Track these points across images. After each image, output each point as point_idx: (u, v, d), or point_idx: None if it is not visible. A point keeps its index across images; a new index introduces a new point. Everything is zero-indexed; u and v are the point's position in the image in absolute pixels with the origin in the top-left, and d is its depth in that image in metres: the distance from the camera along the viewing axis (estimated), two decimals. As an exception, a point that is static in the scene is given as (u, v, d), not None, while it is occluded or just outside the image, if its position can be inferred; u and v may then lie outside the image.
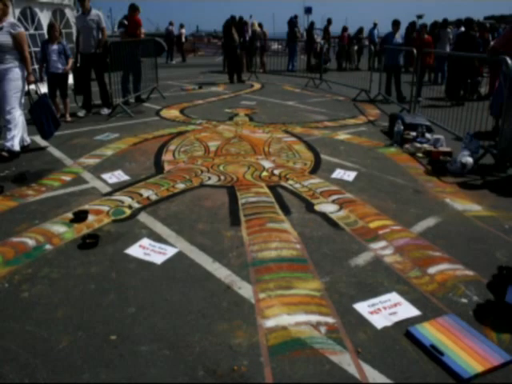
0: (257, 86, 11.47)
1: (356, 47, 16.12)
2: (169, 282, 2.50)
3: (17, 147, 4.79)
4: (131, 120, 6.91)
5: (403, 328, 2.10)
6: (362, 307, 2.27)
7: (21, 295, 2.38)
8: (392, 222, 3.29)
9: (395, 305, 2.29)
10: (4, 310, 2.25)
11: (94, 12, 7.19)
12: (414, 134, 5.48)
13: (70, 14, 11.63)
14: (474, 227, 3.24)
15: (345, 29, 16.66)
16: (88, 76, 7.32)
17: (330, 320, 2.17)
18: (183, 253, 2.82)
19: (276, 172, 4.38)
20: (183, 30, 20.42)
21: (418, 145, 5.18)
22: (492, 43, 5.36)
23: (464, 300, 2.34)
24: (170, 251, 2.84)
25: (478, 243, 2.99)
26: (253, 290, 2.41)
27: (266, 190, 3.91)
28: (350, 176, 4.31)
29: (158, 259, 2.74)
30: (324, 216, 3.38)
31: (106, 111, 7.30)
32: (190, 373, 1.84)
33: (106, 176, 4.25)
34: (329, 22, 16.13)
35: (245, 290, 2.42)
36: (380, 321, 2.16)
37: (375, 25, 16.39)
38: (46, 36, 8.57)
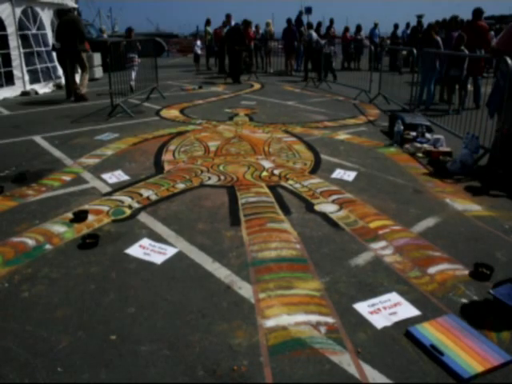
0: (257, 85, 11.47)
1: (352, 47, 16.11)
2: (169, 282, 2.50)
3: None
4: (131, 120, 6.91)
5: (403, 328, 2.10)
6: (362, 307, 2.27)
7: (21, 295, 2.38)
8: (392, 221, 3.29)
9: (395, 305, 2.29)
10: (4, 310, 2.25)
11: None
12: (414, 133, 5.48)
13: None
14: (474, 227, 3.24)
15: (346, 29, 16.66)
16: None
17: (329, 320, 2.17)
18: (183, 253, 2.83)
19: (276, 172, 4.38)
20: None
21: (418, 145, 5.18)
22: (492, 43, 5.35)
23: (464, 300, 2.34)
24: (170, 251, 2.84)
25: (478, 243, 2.99)
26: (253, 290, 2.41)
27: (266, 189, 3.91)
28: (349, 176, 4.31)
29: (158, 259, 2.74)
30: (324, 216, 3.38)
31: None
32: (190, 373, 1.84)
33: (105, 176, 4.25)
34: (331, 22, 16.11)
35: (245, 290, 2.43)
36: (380, 321, 2.16)
37: (376, 25, 16.36)
38: (49, 36, 8.60)
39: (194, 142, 5.56)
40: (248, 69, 13.19)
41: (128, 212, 3.43)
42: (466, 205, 3.64)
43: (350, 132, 6.23)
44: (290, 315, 2.20)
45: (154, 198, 3.72)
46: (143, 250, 2.86)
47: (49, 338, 2.04)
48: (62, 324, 2.14)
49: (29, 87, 9.46)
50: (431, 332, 2.05)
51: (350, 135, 6.03)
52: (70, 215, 3.32)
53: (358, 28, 16.94)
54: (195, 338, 2.05)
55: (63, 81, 10.49)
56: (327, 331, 2.09)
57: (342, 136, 5.98)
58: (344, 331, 2.09)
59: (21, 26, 9.37)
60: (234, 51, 11.66)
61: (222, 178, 4.21)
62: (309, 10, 22.39)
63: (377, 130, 6.39)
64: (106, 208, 3.50)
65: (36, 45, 9.92)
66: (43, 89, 9.95)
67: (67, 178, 4.23)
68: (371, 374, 1.84)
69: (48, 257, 2.77)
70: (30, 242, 2.94)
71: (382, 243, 2.96)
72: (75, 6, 11.39)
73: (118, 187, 3.97)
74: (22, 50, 9.27)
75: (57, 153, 5.06)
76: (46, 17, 10.41)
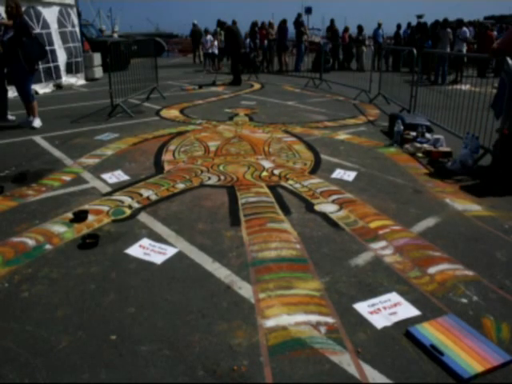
0: (257, 86, 11.48)
1: (354, 49, 16.13)
2: (169, 282, 2.50)
3: None
4: (131, 120, 6.91)
5: (403, 328, 2.10)
6: (362, 307, 2.27)
7: (21, 295, 2.38)
8: (392, 221, 3.28)
9: (395, 305, 2.29)
10: (4, 310, 2.25)
11: None
12: (414, 134, 5.48)
13: (74, 14, 11.66)
14: (473, 227, 3.24)
15: (346, 29, 16.67)
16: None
17: (329, 320, 2.17)
18: (183, 253, 2.83)
19: (276, 172, 4.38)
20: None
21: (418, 145, 5.18)
22: (494, 44, 5.34)
23: (464, 300, 2.34)
24: (170, 251, 2.84)
25: (478, 243, 2.99)
26: (253, 290, 2.41)
27: (266, 189, 3.91)
28: (349, 176, 4.31)
29: (158, 259, 2.74)
30: (324, 216, 3.38)
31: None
32: (190, 373, 1.84)
33: (105, 176, 4.25)
34: (332, 22, 16.15)
35: (245, 290, 2.42)
36: (380, 321, 2.16)
37: (380, 25, 16.36)
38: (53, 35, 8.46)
39: (193, 142, 5.56)
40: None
41: (128, 212, 3.43)
42: (466, 205, 3.64)
43: (349, 132, 6.23)
44: (290, 315, 2.20)
45: (153, 197, 3.72)
46: (143, 250, 2.86)
47: (49, 338, 2.04)
48: (62, 324, 2.14)
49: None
50: (431, 332, 2.05)
51: (350, 135, 6.03)
52: (70, 215, 3.32)
53: (360, 28, 16.95)
54: (195, 338, 2.05)
55: (63, 81, 10.52)
56: (327, 331, 2.09)
57: (341, 136, 5.98)
58: (344, 331, 2.09)
59: None
60: (232, 53, 11.55)
61: (222, 178, 4.21)
62: (309, 10, 22.42)
63: (377, 130, 6.39)
64: (105, 208, 3.50)
65: None
66: (44, 89, 9.95)
67: (67, 178, 4.23)
68: (371, 374, 1.84)
69: (48, 257, 2.77)
70: (30, 242, 2.94)
71: (382, 243, 2.96)
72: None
73: (118, 187, 3.97)
74: None
75: (57, 153, 5.06)
76: (50, 16, 10.40)
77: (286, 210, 3.46)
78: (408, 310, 2.24)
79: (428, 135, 5.38)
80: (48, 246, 2.89)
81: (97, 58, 12.39)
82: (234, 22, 13.30)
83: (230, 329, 2.11)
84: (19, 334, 2.07)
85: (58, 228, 3.15)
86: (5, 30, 5.93)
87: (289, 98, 9.39)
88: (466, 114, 5.28)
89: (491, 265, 2.70)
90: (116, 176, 4.26)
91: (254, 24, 15.46)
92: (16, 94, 9.23)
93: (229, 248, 2.89)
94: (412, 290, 2.43)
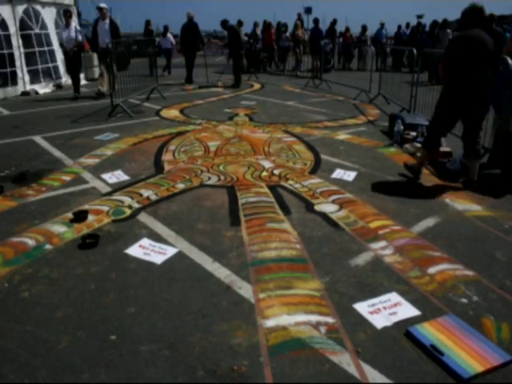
0: (257, 86, 11.48)
1: (356, 49, 16.16)
2: (169, 282, 2.50)
3: None
4: (131, 120, 6.91)
5: (403, 328, 2.10)
6: (362, 307, 2.27)
7: (21, 295, 2.38)
8: (392, 222, 3.28)
9: (395, 305, 2.29)
10: (4, 309, 2.25)
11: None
12: (414, 134, 5.48)
13: (74, 14, 11.63)
14: (474, 227, 3.24)
15: (347, 29, 16.68)
16: None
17: (329, 320, 2.17)
18: (183, 253, 2.82)
19: (276, 172, 4.38)
20: None
21: (418, 145, 5.17)
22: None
23: (464, 300, 2.34)
24: (170, 251, 2.84)
25: (478, 243, 2.99)
26: (253, 290, 2.41)
27: (266, 189, 3.91)
28: (349, 176, 4.31)
29: (158, 259, 2.74)
30: (324, 216, 3.38)
31: None
32: (190, 373, 1.84)
33: (105, 176, 4.25)
34: (334, 22, 16.17)
35: (245, 289, 2.42)
36: (380, 321, 2.16)
37: (382, 25, 16.37)
38: (52, 36, 8.62)
39: (193, 141, 5.56)
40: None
41: (128, 212, 3.43)
42: (466, 205, 3.64)
43: (349, 132, 6.23)
44: (290, 315, 2.20)
45: (153, 197, 3.72)
46: (143, 249, 2.86)
47: (49, 338, 2.04)
48: (62, 324, 2.14)
49: (29, 87, 9.47)
50: (431, 332, 2.05)
51: (350, 135, 6.03)
52: (69, 215, 3.32)
53: (364, 28, 16.94)
54: (195, 338, 2.05)
55: (63, 81, 10.50)
56: (327, 331, 2.09)
57: (341, 136, 5.98)
58: (344, 331, 2.09)
59: (24, 26, 9.39)
60: (234, 54, 11.28)
61: (222, 178, 4.21)
62: (309, 10, 22.44)
63: (377, 130, 6.39)
64: (105, 208, 3.50)
65: (38, 45, 9.93)
66: (43, 89, 9.95)
67: (67, 177, 4.23)
68: (371, 374, 1.84)
69: (48, 257, 2.77)
70: (30, 242, 2.93)
71: (382, 243, 2.96)
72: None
73: (118, 187, 3.97)
74: (22, 50, 9.28)
75: (57, 153, 5.06)
76: (48, 16, 10.40)
77: (285, 210, 3.46)
78: (408, 310, 2.24)
79: (428, 135, 5.38)
80: (48, 246, 2.89)
81: (97, 58, 12.38)
82: (239, 22, 13.30)
83: (230, 329, 2.11)
84: (19, 334, 2.07)
85: (58, 228, 3.15)
86: None
87: (289, 97, 9.39)
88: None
89: (491, 265, 2.70)
90: (116, 176, 4.26)
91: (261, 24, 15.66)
92: (16, 93, 9.25)
93: (229, 248, 2.89)
94: (412, 289, 2.43)
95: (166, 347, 1.99)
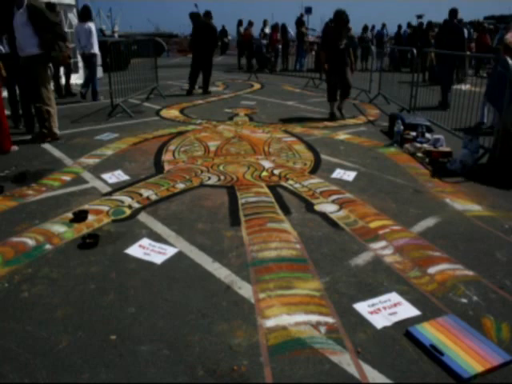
0: (257, 86, 11.47)
1: (351, 49, 16.19)
2: (169, 282, 2.50)
3: None
4: (131, 120, 6.91)
5: (403, 328, 2.10)
6: (362, 307, 2.27)
7: (21, 295, 2.38)
8: (392, 221, 3.28)
9: (395, 305, 2.29)
10: (4, 309, 2.25)
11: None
12: (414, 133, 5.48)
13: (74, 14, 11.64)
14: (474, 227, 3.24)
15: (348, 29, 16.69)
16: None
17: (329, 320, 2.17)
18: (183, 253, 2.83)
19: (276, 172, 4.38)
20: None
21: (418, 145, 5.18)
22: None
23: (464, 300, 2.34)
24: (170, 251, 2.84)
25: (478, 243, 2.99)
26: (253, 290, 2.41)
27: (266, 189, 3.91)
28: (349, 176, 4.31)
29: (158, 259, 2.74)
30: (324, 216, 3.38)
31: None
32: (190, 373, 1.84)
33: (105, 176, 4.25)
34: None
35: (245, 289, 2.42)
36: (380, 321, 2.16)
37: (384, 25, 16.39)
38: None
39: (193, 141, 5.56)
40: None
41: (128, 212, 3.43)
42: (466, 205, 3.64)
43: (349, 132, 6.23)
44: (290, 315, 2.20)
45: (153, 197, 3.72)
46: (143, 249, 2.86)
47: (49, 338, 2.04)
48: (62, 324, 2.14)
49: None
50: (431, 332, 2.05)
51: (350, 135, 6.03)
52: (69, 215, 3.32)
53: (365, 28, 16.94)
54: (195, 338, 2.05)
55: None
56: (327, 331, 2.09)
57: (341, 136, 5.98)
58: (344, 331, 2.09)
59: None
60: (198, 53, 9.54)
61: (222, 177, 4.21)
62: (309, 10, 22.43)
63: (377, 130, 6.39)
64: (105, 208, 3.50)
65: None
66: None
67: (67, 177, 4.23)
68: (371, 374, 1.84)
69: (48, 257, 2.77)
70: (30, 242, 2.93)
71: (382, 243, 2.96)
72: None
73: (118, 187, 3.97)
74: None
75: (57, 153, 5.06)
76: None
77: (285, 210, 3.46)
78: (408, 310, 2.24)
79: (428, 135, 5.38)
80: (48, 246, 2.89)
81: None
82: (249, 23, 13.41)
83: (230, 329, 2.11)
84: (19, 334, 2.07)
85: (58, 228, 3.15)
86: None
87: (289, 97, 9.38)
88: (465, 114, 5.29)
89: (491, 265, 2.70)
90: (116, 176, 4.26)
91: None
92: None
93: (229, 248, 2.89)
94: (412, 289, 2.43)
95: (166, 347, 1.99)
